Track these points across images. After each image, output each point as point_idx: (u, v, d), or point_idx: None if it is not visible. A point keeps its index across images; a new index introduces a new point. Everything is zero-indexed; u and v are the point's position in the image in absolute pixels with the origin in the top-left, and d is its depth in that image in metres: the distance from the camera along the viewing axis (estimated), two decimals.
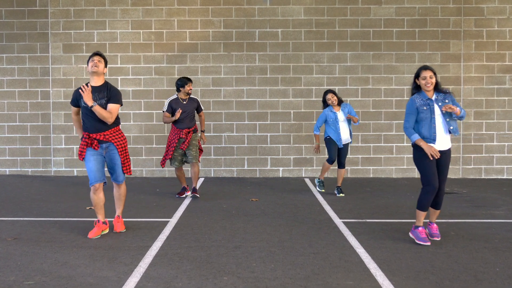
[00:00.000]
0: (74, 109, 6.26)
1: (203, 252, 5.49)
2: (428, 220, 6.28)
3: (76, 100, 6.16)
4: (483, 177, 11.80)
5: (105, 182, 6.22)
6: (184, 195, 8.98)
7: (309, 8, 11.74)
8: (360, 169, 11.82)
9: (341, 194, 9.11)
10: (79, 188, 10.00)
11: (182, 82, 8.69)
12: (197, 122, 10.95)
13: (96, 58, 6.10)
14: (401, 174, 11.79)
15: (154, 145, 11.69)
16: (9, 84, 11.82)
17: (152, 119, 11.68)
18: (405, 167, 11.75)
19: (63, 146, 11.75)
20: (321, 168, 11.63)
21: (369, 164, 11.82)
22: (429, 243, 5.80)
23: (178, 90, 8.77)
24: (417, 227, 5.95)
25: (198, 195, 8.85)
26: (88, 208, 7.90)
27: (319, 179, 9.66)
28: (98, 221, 6.20)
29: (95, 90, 6.05)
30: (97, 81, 6.09)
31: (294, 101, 11.79)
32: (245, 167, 11.78)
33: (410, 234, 6.02)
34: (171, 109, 8.71)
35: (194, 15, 11.74)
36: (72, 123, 11.65)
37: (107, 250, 5.53)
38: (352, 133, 9.18)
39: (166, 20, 11.74)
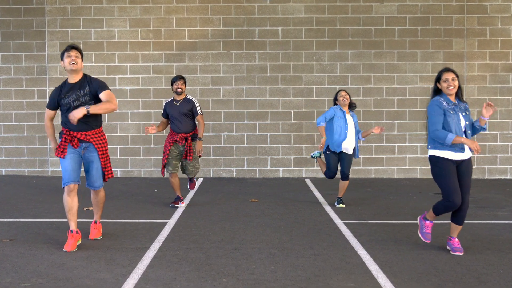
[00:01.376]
0: (50, 113, 5.78)
1: (202, 253, 5.49)
2: (449, 235, 5.82)
3: (56, 100, 5.68)
4: (486, 177, 11.80)
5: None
6: (178, 205, 8.09)
7: (310, 6, 11.74)
8: (362, 170, 11.82)
9: (341, 205, 8.18)
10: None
11: (172, 80, 8.12)
12: None
13: (73, 53, 5.60)
14: (403, 174, 11.79)
15: (152, 145, 11.69)
16: (5, 83, 11.81)
17: (150, 119, 11.68)
18: (407, 167, 11.75)
19: None
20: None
21: (371, 164, 11.82)
22: (428, 241, 5.74)
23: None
24: (426, 219, 5.73)
25: (193, 187, 8.48)
26: (85, 209, 7.89)
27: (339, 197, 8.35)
28: (72, 231, 5.62)
29: (74, 87, 5.64)
30: (76, 78, 5.68)
31: (294, 101, 11.79)
32: (245, 167, 11.78)
33: (418, 221, 5.84)
34: (166, 114, 8.19)
35: (193, 13, 11.74)
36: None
37: (105, 252, 5.53)
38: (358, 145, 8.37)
39: (164, 18, 11.74)
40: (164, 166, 8.01)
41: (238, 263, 5.16)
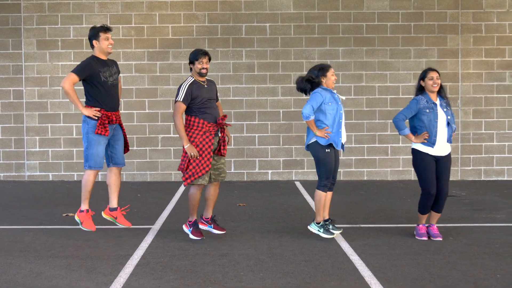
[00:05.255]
0: (76, 79, 6.15)
1: (187, 260, 5.48)
2: (428, 223, 6.53)
3: (97, 72, 6.19)
4: (482, 178, 11.88)
5: None
6: (207, 227, 6.62)
7: (299, 1, 11.76)
8: (354, 172, 11.85)
9: (339, 231, 6.53)
10: (54, 193, 9.94)
11: (192, 57, 6.25)
12: None
13: (110, 35, 6.33)
14: (396, 176, 11.84)
15: (135, 148, 11.65)
16: None
17: (133, 120, 11.63)
18: (400, 169, 11.80)
19: (38, 149, 11.67)
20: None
21: (363, 166, 11.85)
22: (425, 238, 6.29)
23: (190, 69, 6.37)
24: (417, 224, 6.49)
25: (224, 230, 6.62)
26: (64, 215, 7.85)
27: (317, 223, 6.37)
28: (88, 210, 6.37)
29: (107, 64, 6.34)
30: (104, 57, 6.39)
31: (283, 100, 11.80)
32: (232, 170, 11.77)
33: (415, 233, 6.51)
34: (190, 99, 6.16)
35: (177, 9, 11.72)
36: (45, 125, 11.58)
37: (85, 260, 5.50)
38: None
39: (147, 14, 11.71)
40: (195, 174, 6.13)
41: (225, 270, 5.15)
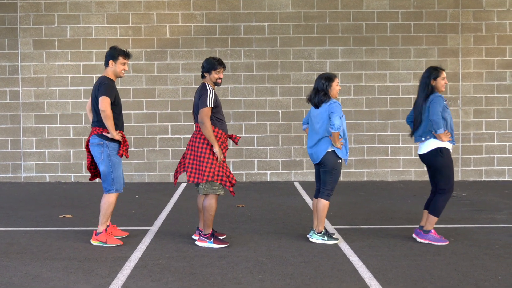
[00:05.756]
0: (109, 101, 6.13)
1: (185, 262, 5.47)
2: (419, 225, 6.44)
3: (115, 94, 6.24)
4: (483, 179, 11.89)
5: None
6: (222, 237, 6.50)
7: (298, 0, 11.76)
8: (353, 172, 11.86)
9: (336, 241, 6.33)
10: (51, 195, 9.93)
11: (210, 65, 6.21)
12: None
13: (127, 61, 6.35)
14: (396, 177, 11.84)
15: (133, 148, 11.64)
16: None
17: (130, 120, 11.63)
18: (401, 169, 11.80)
19: (34, 150, 11.66)
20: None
21: (363, 166, 11.86)
22: (448, 242, 6.16)
23: (203, 76, 6.31)
24: (429, 231, 6.24)
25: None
26: (61, 216, 7.84)
27: (319, 233, 6.34)
28: (106, 229, 6.29)
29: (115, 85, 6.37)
30: (115, 79, 6.40)
31: (282, 100, 11.80)
32: (231, 171, 11.75)
33: (422, 240, 6.24)
34: (215, 106, 6.17)
35: (175, 8, 11.71)
36: (42, 125, 11.57)
37: (82, 262, 5.50)
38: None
39: (144, 14, 11.71)
40: (230, 183, 6.22)
41: (223, 272, 5.15)
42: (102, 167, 6.15)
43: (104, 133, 6.11)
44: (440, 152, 6.16)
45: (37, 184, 11.27)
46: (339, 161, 6.26)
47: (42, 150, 11.69)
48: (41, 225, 7.30)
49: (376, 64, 11.82)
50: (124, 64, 6.26)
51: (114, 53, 6.24)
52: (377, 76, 11.83)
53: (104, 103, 6.01)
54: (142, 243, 6.26)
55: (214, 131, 6.12)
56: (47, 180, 11.69)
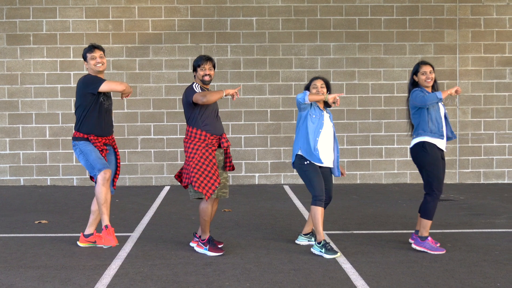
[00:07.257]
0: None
1: (169, 270, 5.47)
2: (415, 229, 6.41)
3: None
4: (482, 182, 11.96)
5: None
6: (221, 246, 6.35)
7: None
8: (346, 175, 11.88)
9: (337, 254, 6.00)
10: (26, 199, 9.88)
11: (195, 62, 6.22)
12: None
13: (97, 53, 6.30)
14: (391, 179, 11.89)
15: None
16: None
17: None
18: (395, 171, 11.85)
19: (8, 152, 11.58)
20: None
21: (356, 168, 11.89)
22: (444, 251, 6.05)
23: (194, 76, 6.31)
24: (426, 237, 6.14)
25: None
26: (37, 222, 7.80)
27: (319, 243, 6.04)
28: (106, 226, 6.23)
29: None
30: (102, 77, 6.41)
31: (271, 99, 11.81)
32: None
33: (417, 247, 6.15)
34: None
35: (157, 2, 11.69)
36: (16, 125, 11.51)
37: (59, 270, 5.48)
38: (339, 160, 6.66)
39: (125, 7, 11.68)
40: (211, 187, 5.97)
41: (209, 280, 5.15)
42: (81, 162, 6.35)
43: (73, 136, 6.38)
44: (422, 147, 6.08)
45: (11, 188, 11.20)
46: (306, 163, 6.17)
47: (16, 151, 11.62)
48: (15, 231, 7.26)
49: (370, 61, 11.86)
50: (94, 58, 6.32)
51: (83, 54, 6.43)
52: (371, 73, 11.87)
53: (108, 84, 6.29)
54: (123, 250, 6.24)
55: (197, 134, 6.09)
56: (22, 183, 11.62)
